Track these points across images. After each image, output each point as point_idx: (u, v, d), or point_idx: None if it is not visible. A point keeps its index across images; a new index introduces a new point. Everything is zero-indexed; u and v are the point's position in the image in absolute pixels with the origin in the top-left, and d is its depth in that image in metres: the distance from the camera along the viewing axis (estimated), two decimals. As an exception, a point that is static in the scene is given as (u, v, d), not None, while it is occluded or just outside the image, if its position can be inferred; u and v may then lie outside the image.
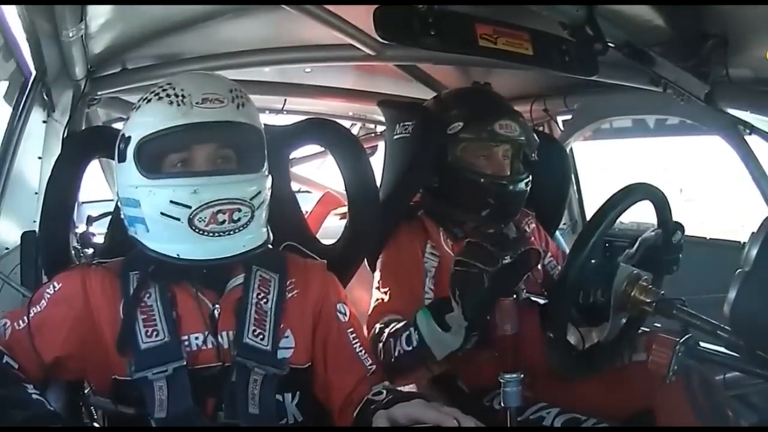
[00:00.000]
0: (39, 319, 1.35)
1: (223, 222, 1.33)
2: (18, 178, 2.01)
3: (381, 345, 1.66)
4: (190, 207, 1.31)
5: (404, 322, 1.64)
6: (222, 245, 1.35)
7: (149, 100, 1.38)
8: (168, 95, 1.35)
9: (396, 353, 1.59)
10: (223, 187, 1.33)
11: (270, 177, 1.46)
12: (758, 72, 1.73)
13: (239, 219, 1.34)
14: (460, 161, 1.88)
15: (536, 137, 1.99)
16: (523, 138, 1.90)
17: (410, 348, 1.56)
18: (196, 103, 1.34)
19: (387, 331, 1.67)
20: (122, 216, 1.44)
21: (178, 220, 1.32)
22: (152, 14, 1.87)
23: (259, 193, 1.39)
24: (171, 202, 1.32)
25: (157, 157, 1.37)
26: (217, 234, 1.33)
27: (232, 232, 1.34)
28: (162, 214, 1.33)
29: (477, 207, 1.89)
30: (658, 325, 1.59)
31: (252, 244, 1.39)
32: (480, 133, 1.86)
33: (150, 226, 1.36)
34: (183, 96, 1.34)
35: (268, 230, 1.46)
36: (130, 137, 1.38)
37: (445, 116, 1.91)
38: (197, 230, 1.32)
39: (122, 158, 1.40)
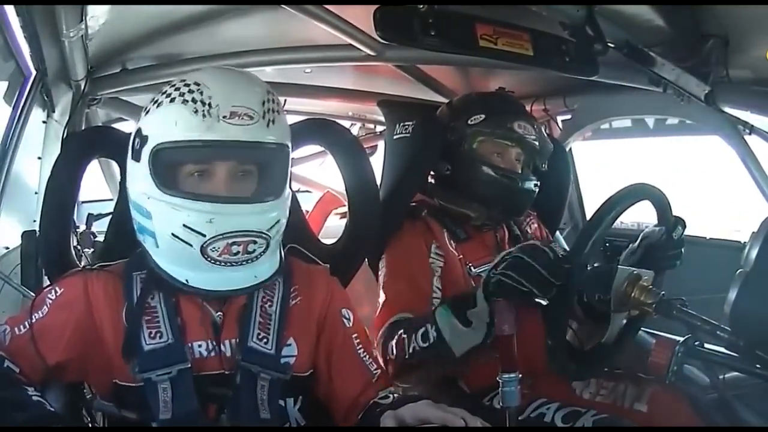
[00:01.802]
0: (41, 325, 1.33)
1: (237, 253, 1.28)
2: (18, 178, 2.01)
3: (393, 342, 1.65)
4: (204, 235, 1.25)
5: (418, 318, 1.63)
6: (234, 276, 1.32)
7: (172, 99, 1.28)
8: (194, 100, 1.25)
9: (410, 350, 1.60)
10: (240, 218, 1.27)
11: (290, 195, 1.40)
12: (758, 72, 1.73)
13: (254, 251, 1.30)
14: (475, 153, 1.91)
15: (551, 147, 2.02)
16: (537, 142, 1.94)
17: (426, 344, 1.57)
18: (224, 117, 1.24)
19: (399, 328, 1.67)
20: (133, 219, 1.39)
21: (191, 245, 1.27)
22: (152, 14, 1.86)
23: (278, 222, 1.34)
24: (184, 226, 1.26)
25: (174, 165, 1.31)
26: (229, 264, 1.29)
27: (245, 263, 1.31)
28: (173, 235, 1.28)
29: (485, 200, 1.92)
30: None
31: (264, 275, 1.37)
32: (499, 129, 1.91)
33: (160, 243, 1.32)
34: (210, 105, 1.24)
35: (280, 252, 1.44)
36: (147, 137, 1.30)
37: (469, 108, 1.96)
38: (209, 259, 1.28)
39: (136, 157, 1.33)
